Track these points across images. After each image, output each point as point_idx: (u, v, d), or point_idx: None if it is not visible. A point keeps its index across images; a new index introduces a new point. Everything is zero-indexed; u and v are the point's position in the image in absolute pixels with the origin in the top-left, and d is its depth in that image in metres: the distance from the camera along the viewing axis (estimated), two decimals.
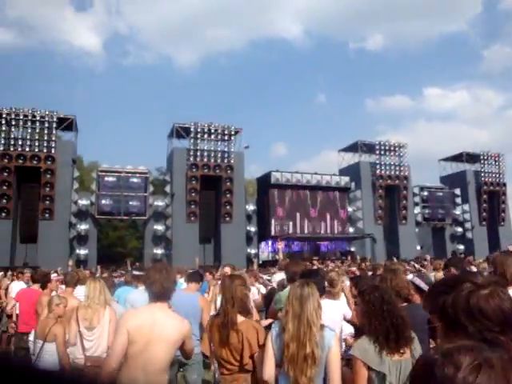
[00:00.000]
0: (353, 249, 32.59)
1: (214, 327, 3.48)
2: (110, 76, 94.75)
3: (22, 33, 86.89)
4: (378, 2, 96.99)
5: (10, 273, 13.48)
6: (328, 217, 32.75)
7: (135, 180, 28.41)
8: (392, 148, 34.39)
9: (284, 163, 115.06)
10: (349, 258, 25.83)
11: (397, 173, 33.99)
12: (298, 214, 31.85)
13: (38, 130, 27.23)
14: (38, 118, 26.91)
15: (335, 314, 4.32)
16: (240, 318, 3.40)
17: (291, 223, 31.67)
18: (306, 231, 31.93)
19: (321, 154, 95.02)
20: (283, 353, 2.85)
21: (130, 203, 28.05)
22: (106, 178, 28.09)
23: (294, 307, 2.90)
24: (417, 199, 35.59)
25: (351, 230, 33.44)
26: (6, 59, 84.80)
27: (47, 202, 26.48)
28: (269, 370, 2.92)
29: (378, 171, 33.58)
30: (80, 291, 5.87)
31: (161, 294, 3.09)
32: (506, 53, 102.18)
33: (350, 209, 33.58)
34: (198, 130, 29.30)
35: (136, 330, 2.97)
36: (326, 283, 4.71)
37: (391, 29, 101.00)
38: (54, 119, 27.15)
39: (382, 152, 34.12)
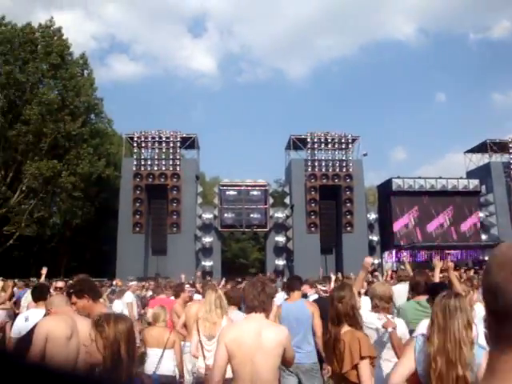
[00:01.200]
0: (487, 258, 29.90)
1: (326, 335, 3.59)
2: (226, 94, 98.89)
3: (147, 64, 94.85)
4: None
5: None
6: (456, 223, 30.48)
7: (255, 193, 28.99)
8: None
9: (404, 169, 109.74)
10: (484, 267, 23.70)
11: None
12: (422, 222, 30.09)
13: (164, 150, 29.07)
14: (163, 139, 28.76)
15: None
16: (345, 329, 3.37)
17: (415, 231, 29.99)
18: (431, 239, 30.02)
19: (445, 156, 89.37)
20: (429, 366, 2.61)
21: (251, 215, 28.66)
22: (228, 192, 29.01)
23: (438, 319, 2.68)
24: None
25: (484, 237, 30.74)
26: (135, 88, 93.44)
27: (174, 217, 28.05)
28: (398, 378, 2.73)
29: None
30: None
31: (254, 306, 3.17)
32: None
33: (481, 214, 30.92)
34: (315, 140, 29.18)
35: (234, 342, 3.03)
36: None
37: None
38: (178, 139, 28.82)
39: None
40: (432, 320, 2.74)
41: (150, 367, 4.91)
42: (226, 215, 28.72)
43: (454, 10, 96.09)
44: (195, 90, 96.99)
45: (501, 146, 31.86)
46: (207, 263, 27.91)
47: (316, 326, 5.07)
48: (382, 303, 4.25)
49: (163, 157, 28.88)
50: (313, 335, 5.12)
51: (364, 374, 3.17)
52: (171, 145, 28.76)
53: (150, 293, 12.04)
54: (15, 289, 11.09)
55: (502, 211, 30.35)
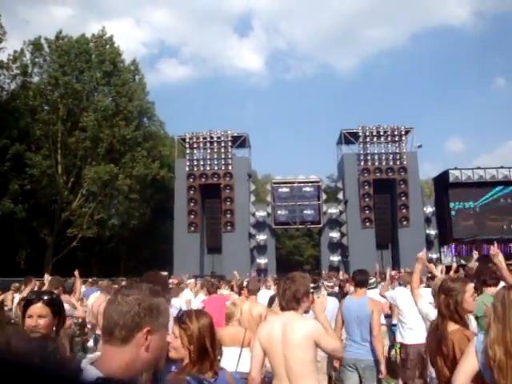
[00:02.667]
0: None
1: (431, 333, 3.40)
2: (275, 91, 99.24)
3: (196, 66, 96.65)
4: None
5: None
6: None
7: (308, 189, 28.84)
8: None
9: (461, 159, 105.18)
10: None
11: None
12: (483, 214, 28.91)
13: (215, 150, 29.43)
14: (215, 139, 29.11)
15: None
16: (453, 327, 3.17)
17: (476, 224, 28.86)
18: (494, 232, 28.79)
19: (506, 144, 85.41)
20: (487, 356, 2.51)
21: (305, 212, 28.55)
22: (280, 190, 29.02)
23: (497, 310, 2.58)
24: None
25: None
26: (185, 90, 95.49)
27: (228, 216, 28.36)
28: (460, 378, 2.64)
29: None
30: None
31: (282, 306, 3.31)
32: None
33: None
34: (367, 133, 28.67)
35: (265, 338, 3.18)
36: None
37: None
38: (229, 138, 29.08)
39: None
40: (491, 311, 2.67)
41: (228, 366, 4.97)
42: (279, 212, 28.75)
43: None
44: (244, 89, 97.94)
45: None
46: (262, 261, 28.04)
47: (373, 325, 5.01)
48: None
49: (215, 156, 29.24)
50: (369, 334, 5.06)
51: None
52: (222, 144, 29.06)
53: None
54: (83, 287, 11.57)
55: None
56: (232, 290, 9.84)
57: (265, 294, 7.68)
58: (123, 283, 11.00)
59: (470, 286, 3.35)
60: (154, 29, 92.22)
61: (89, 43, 30.47)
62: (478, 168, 29.76)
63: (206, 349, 2.50)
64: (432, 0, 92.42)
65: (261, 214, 28.65)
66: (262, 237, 28.39)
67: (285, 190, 28.95)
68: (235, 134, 29.59)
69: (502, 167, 29.43)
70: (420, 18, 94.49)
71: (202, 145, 29.35)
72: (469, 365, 2.66)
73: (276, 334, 3.16)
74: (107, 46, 31.03)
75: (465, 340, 3.06)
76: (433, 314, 4.13)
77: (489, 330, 2.60)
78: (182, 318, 2.63)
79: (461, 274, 9.68)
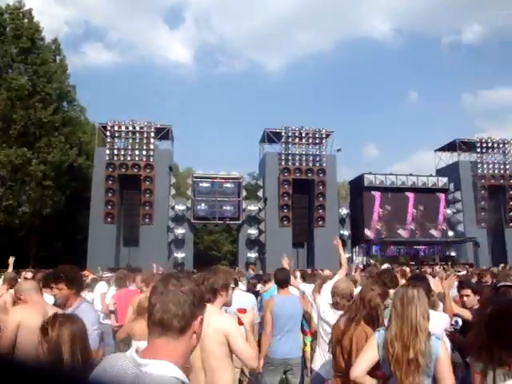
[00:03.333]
0: (453, 254, 30.83)
1: (336, 327, 3.58)
2: (202, 86, 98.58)
3: (123, 52, 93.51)
4: None
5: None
6: (425, 220, 31.22)
7: (229, 185, 29.01)
8: (495, 145, 32.14)
9: (377, 165, 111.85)
10: (449, 263, 24.45)
11: (501, 172, 31.68)
12: (393, 218, 30.71)
13: (137, 140, 28.70)
14: (137, 129, 28.40)
15: (436, 327, 3.57)
16: (355, 322, 3.40)
17: (386, 227, 30.60)
18: (402, 235, 30.71)
19: (416, 154, 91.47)
20: (387, 351, 2.77)
21: (224, 208, 28.70)
22: (201, 184, 28.95)
23: (397, 307, 2.82)
24: None
25: (451, 233, 31.58)
26: (109, 77, 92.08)
27: (147, 208, 27.82)
28: (357, 371, 2.84)
29: (479, 171, 31.49)
30: None
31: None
32: None
33: (449, 211, 31.75)
34: (289, 134, 29.33)
35: None
36: None
37: (490, 18, 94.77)
38: (152, 129, 28.49)
39: (484, 150, 31.99)
40: (391, 308, 2.90)
41: None
42: (198, 207, 28.68)
43: (427, 11, 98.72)
44: (171, 80, 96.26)
45: (469, 146, 32.72)
46: (179, 255, 27.85)
47: (310, 322, 5.25)
48: (343, 301, 4.21)
49: (137, 147, 28.52)
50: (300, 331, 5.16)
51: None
52: (145, 135, 28.41)
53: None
54: None
55: (468, 209, 31.25)
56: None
57: None
58: (28, 274, 10.54)
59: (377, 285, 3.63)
60: (79, 8, 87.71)
61: (3, 14, 28.24)
62: (391, 174, 31.55)
63: (61, 359, 2.35)
64: (359, 13, 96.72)
65: (180, 207, 28.41)
66: (180, 231, 28.18)
67: (206, 184, 28.92)
68: (159, 126, 29.06)
69: (411, 175, 31.48)
70: (347, 28, 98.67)
71: (123, 134, 28.53)
72: (369, 356, 2.84)
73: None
74: (25, 20, 28.96)
75: (363, 336, 3.25)
76: (326, 312, 4.39)
77: (390, 327, 2.81)
78: (45, 323, 2.49)
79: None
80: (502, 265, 19.27)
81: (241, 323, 3.39)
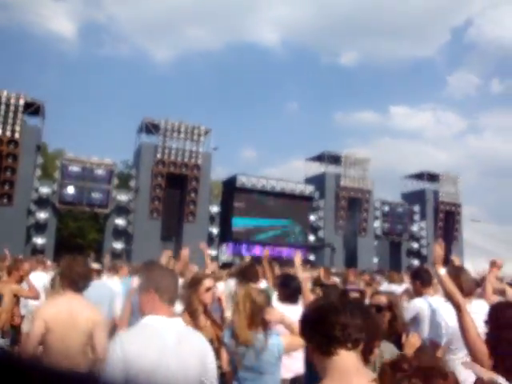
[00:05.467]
0: (312, 257, 33.07)
1: None
2: (83, 64, 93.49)
3: None
4: (355, 20, 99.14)
5: None
6: (291, 223, 33.04)
7: (100, 172, 28.08)
8: (357, 161, 35.21)
9: (252, 168, 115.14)
10: (308, 266, 26.15)
11: (360, 186, 34.80)
12: (260, 219, 32.05)
13: (2, 113, 26.40)
14: (3, 100, 26.17)
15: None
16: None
17: (253, 227, 31.84)
18: (267, 237, 32.19)
19: (289, 161, 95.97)
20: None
21: (93, 195, 27.70)
22: (71, 168, 27.64)
23: (237, 305, 3.18)
24: (377, 213, 36.51)
25: (312, 238, 33.93)
26: None
27: (6, 187, 25.79)
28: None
29: (342, 182, 34.28)
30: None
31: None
32: (467, 81, 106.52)
33: (312, 217, 34.08)
34: (168, 127, 29.24)
35: (53, 318, 3.16)
36: None
37: (365, 47, 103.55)
38: (21, 103, 26.46)
39: (347, 164, 34.87)
40: (234, 306, 3.26)
41: None
42: (65, 191, 27.34)
43: (314, 30, 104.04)
44: (49, 53, 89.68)
45: (335, 159, 35.44)
46: (39, 241, 26.32)
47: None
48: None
49: (1, 120, 26.27)
50: None
51: None
52: (12, 108, 26.27)
53: None
54: None
55: (329, 216, 33.85)
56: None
57: (40, 277, 6.98)
58: None
59: (206, 282, 3.74)
60: None
61: None
62: (263, 177, 32.95)
63: None
64: (251, 19, 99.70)
65: (45, 190, 26.85)
66: (42, 215, 26.63)
67: (76, 168, 27.65)
68: (29, 100, 27.11)
69: (281, 179, 33.16)
70: (239, 32, 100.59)
71: None
72: None
73: (66, 315, 3.18)
74: None
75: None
76: None
77: (233, 323, 3.17)
78: None
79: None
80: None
81: None
